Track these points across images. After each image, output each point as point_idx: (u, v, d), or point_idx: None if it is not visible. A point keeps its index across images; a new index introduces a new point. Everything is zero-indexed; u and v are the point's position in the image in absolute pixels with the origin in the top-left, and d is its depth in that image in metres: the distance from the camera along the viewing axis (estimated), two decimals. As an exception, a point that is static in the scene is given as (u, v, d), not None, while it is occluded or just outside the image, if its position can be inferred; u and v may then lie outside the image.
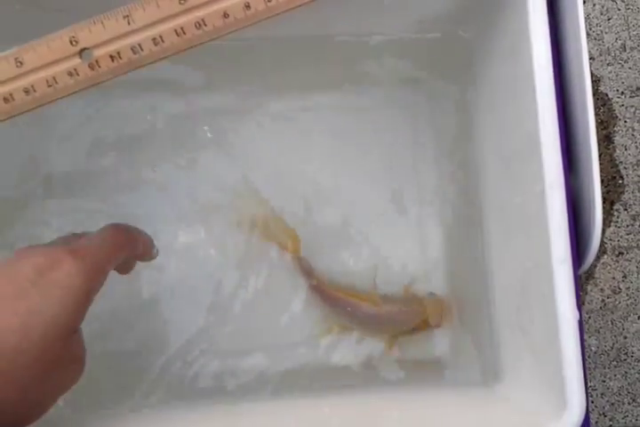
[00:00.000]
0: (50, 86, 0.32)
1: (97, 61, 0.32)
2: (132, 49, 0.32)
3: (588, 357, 0.61)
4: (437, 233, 0.51)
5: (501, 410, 0.38)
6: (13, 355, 0.28)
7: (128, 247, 0.35)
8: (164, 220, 0.50)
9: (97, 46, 0.32)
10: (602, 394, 0.61)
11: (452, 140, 0.50)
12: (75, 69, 0.32)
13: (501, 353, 0.42)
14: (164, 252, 0.42)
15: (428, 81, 0.51)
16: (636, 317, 0.62)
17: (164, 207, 0.50)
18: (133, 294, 0.49)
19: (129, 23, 0.32)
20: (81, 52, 0.32)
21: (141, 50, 0.32)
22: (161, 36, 0.32)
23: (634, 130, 0.63)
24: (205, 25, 0.32)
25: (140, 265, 0.40)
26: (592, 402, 0.61)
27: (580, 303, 0.36)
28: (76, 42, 0.32)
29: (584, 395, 0.33)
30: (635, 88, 0.64)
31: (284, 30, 0.44)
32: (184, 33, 0.32)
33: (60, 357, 0.30)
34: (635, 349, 0.61)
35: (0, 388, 0.27)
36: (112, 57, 0.32)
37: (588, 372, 0.60)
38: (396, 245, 0.51)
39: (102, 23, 0.32)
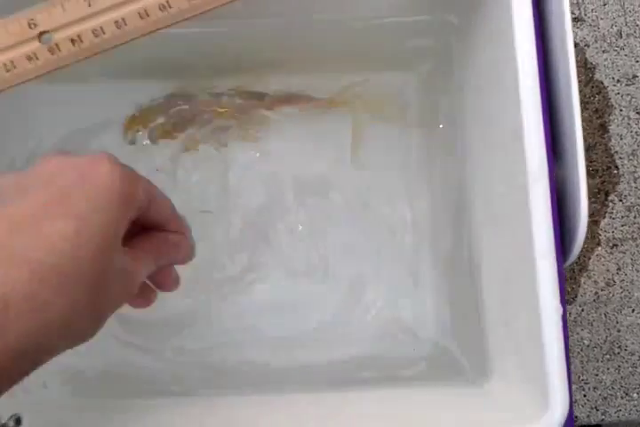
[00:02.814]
0: (8, 71, 0.30)
1: (57, 45, 0.31)
2: (93, 32, 0.31)
3: (581, 350, 0.60)
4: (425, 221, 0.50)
5: (488, 410, 0.37)
6: (68, 265, 0.25)
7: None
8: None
9: (57, 29, 0.30)
10: (594, 388, 0.60)
11: (439, 127, 0.49)
12: (34, 53, 0.30)
13: (489, 350, 0.40)
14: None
15: (415, 66, 0.50)
16: (630, 310, 0.60)
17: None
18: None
19: (89, 5, 0.30)
20: (40, 36, 0.30)
21: (103, 33, 0.31)
22: (124, 19, 0.31)
23: (629, 119, 0.62)
24: (170, 7, 0.31)
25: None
26: (584, 396, 0.60)
27: (564, 298, 0.34)
28: (35, 25, 0.30)
29: (567, 394, 0.32)
30: (631, 76, 0.62)
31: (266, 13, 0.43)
32: (148, 15, 0.31)
33: (111, 268, 0.27)
34: (628, 342, 0.60)
35: (51, 300, 0.25)
36: (73, 40, 0.31)
37: (580, 366, 0.59)
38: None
39: (62, 5, 0.30)
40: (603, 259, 0.62)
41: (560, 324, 0.33)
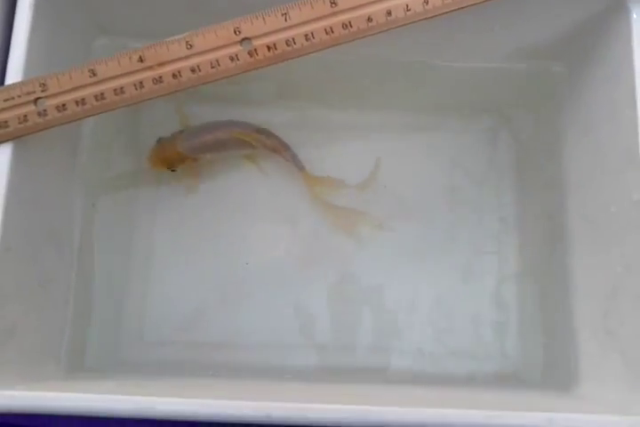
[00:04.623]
0: (213, 68, 0.36)
1: (255, 50, 0.36)
2: (286, 42, 0.36)
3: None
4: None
5: (585, 407, 0.39)
6: None
7: None
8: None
9: (256, 37, 0.36)
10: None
11: (533, 167, 0.54)
12: (236, 55, 0.36)
13: (580, 357, 0.44)
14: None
15: (510, 111, 0.55)
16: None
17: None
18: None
19: (286, 20, 0.36)
20: (242, 41, 0.36)
21: (294, 43, 0.36)
22: (312, 33, 0.36)
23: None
24: (351, 26, 0.37)
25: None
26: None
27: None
28: (239, 32, 0.36)
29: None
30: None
31: (385, 52, 0.48)
32: (332, 32, 0.37)
33: None
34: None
35: None
36: (269, 47, 0.36)
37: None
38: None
39: (263, 18, 0.36)
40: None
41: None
